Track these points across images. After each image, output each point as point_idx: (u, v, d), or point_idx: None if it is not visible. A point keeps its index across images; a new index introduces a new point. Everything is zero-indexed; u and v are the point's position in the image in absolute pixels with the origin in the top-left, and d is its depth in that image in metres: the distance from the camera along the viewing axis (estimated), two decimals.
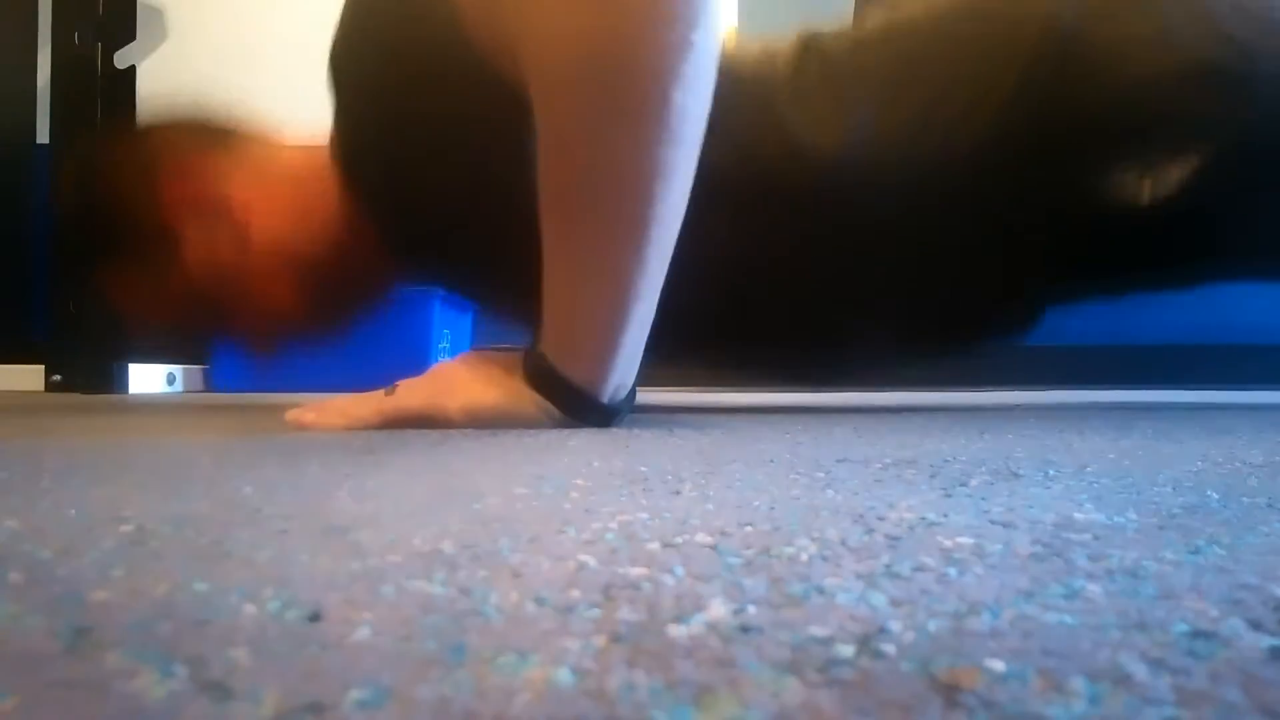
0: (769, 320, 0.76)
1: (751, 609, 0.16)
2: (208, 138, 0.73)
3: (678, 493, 0.29)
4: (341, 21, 0.65)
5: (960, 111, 0.69)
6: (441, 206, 0.66)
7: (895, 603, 0.17)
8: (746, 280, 0.72)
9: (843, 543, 0.22)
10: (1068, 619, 0.16)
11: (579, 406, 0.55)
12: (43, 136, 1.81)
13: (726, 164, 0.56)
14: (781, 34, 0.75)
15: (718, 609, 0.16)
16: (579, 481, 0.32)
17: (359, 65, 0.65)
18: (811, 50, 0.72)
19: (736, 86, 0.63)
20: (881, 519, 0.25)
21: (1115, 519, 0.25)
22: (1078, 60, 0.67)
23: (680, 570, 0.19)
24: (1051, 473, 0.35)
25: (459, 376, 0.59)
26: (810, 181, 0.69)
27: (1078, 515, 0.25)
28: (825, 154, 0.68)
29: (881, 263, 0.73)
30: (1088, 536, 0.23)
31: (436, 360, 1.69)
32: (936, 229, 0.71)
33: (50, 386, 1.52)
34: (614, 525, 0.24)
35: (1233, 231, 0.73)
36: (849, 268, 0.73)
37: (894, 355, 0.87)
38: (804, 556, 0.20)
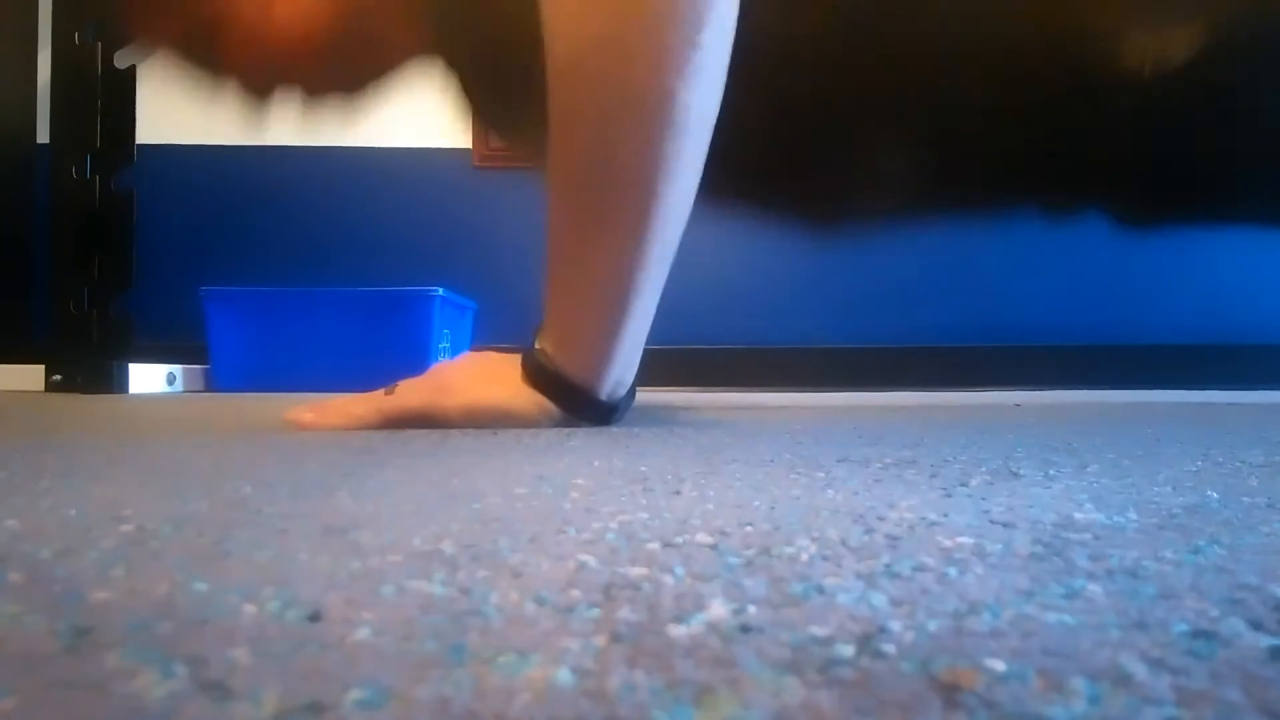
0: (779, 152, 0.75)
1: (751, 609, 0.16)
2: None
3: (678, 493, 0.29)
4: None
5: None
6: None
7: (895, 603, 0.17)
8: (758, 113, 0.70)
9: (843, 543, 0.22)
10: (1068, 619, 0.16)
11: (577, 403, 0.55)
12: (43, 136, 1.80)
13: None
14: None
15: (718, 609, 0.16)
16: (579, 481, 0.32)
17: None
18: None
19: None
20: (881, 519, 0.25)
21: (1115, 519, 0.25)
22: None
23: (680, 570, 0.19)
24: (1051, 473, 0.35)
25: (458, 376, 0.59)
26: (827, 22, 0.68)
27: (1078, 515, 0.25)
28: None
29: (890, 99, 0.71)
30: (1088, 536, 0.23)
31: (436, 360, 1.69)
32: (944, 76, 0.69)
33: (50, 386, 1.52)
34: (614, 525, 0.24)
35: (1232, 155, 0.72)
36: (860, 101, 0.71)
37: (899, 201, 0.85)
38: (804, 556, 0.20)
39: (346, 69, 0.73)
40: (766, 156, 0.75)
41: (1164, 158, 0.73)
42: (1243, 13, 0.66)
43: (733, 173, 0.72)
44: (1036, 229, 0.86)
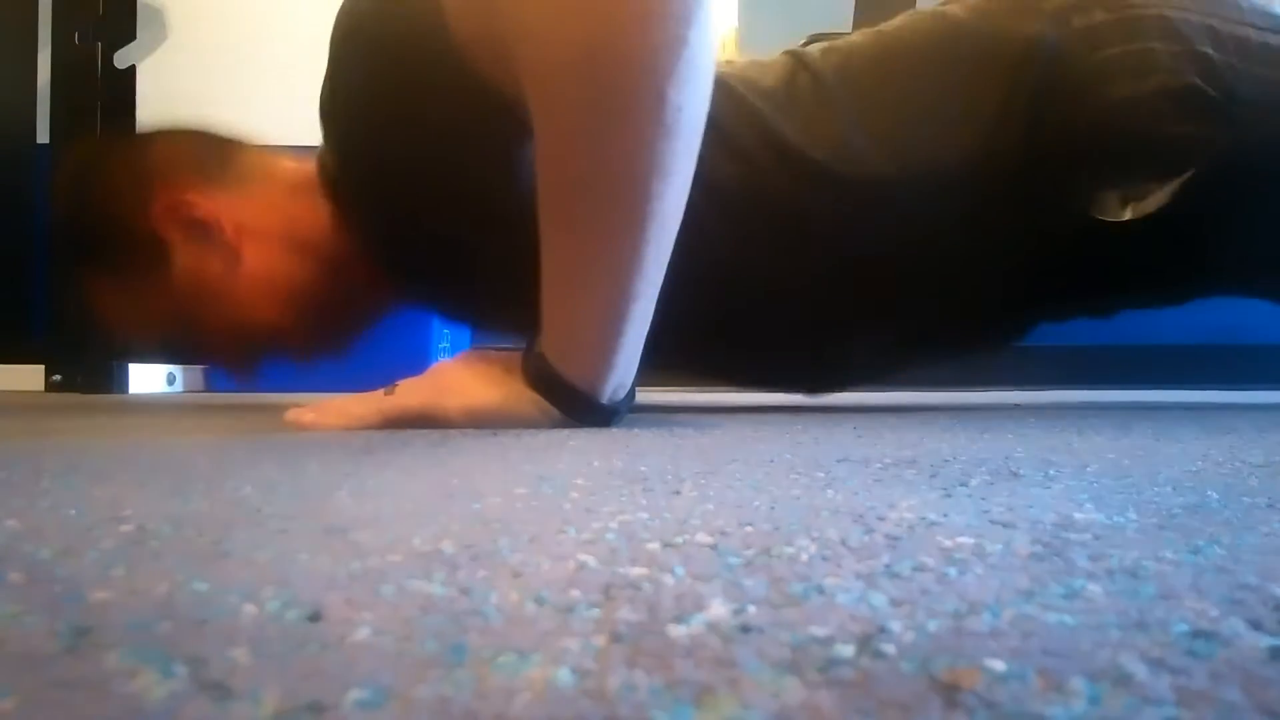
0: (756, 331, 0.77)
1: (751, 609, 0.16)
2: (205, 150, 0.72)
3: (678, 493, 0.29)
4: (330, 60, 0.64)
5: (946, 128, 0.70)
6: (435, 231, 0.66)
7: (895, 603, 0.17)
8: (735, 288, 0.72)
9: (843, 543, 0.22)
10: (1068, 619, 0.16)
11: (578, 407, 0.55)
12: (43, 136, 1.80)
13: (717, 172, 0.57)
14: (770, 51, 0.76)
15: (718, 609, 0.16)
16: (579, 481, 0.32)
17: (348, 96, 0.64)
18: (802, 63, 0.73)
19: (728, 96, 0.64)
20: (881, 519, 0.25)
21: (1115, 519, 0.25)
22: (1060, 81, 0.69)
23: (680, 570, 0.19)
24: (1051, 473, 0.35)
25: (459, 376, 0.58)
26: (799, 191, 0.70)
27: (1078, 515, 0.25)
28: (814, 166, 0.69)
29: (871, 275, 0.73)
30: (1088, 536, 0.23)
31: (436, 360, 1.69)
32: (924, 243, 0.72)
33: (50, 386, 1.52)
34: (614, 525, 0.24)
35: (1214, 251, 0.75)
36: (838, 279, 0.73)
37: (882, 367, 0.89)
38: (804, 556, 0.20)
39: (328, 334, 0.77)
40: (751, 330, 0.77)
41: (1152, 268, 0.76)
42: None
43: (719, 350, 0.75)
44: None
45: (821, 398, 0.95)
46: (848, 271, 0.73)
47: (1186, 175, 0.67)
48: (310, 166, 0.72)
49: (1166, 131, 0.68)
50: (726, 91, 0.61)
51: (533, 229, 0.53)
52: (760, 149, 0.69)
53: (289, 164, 0.74)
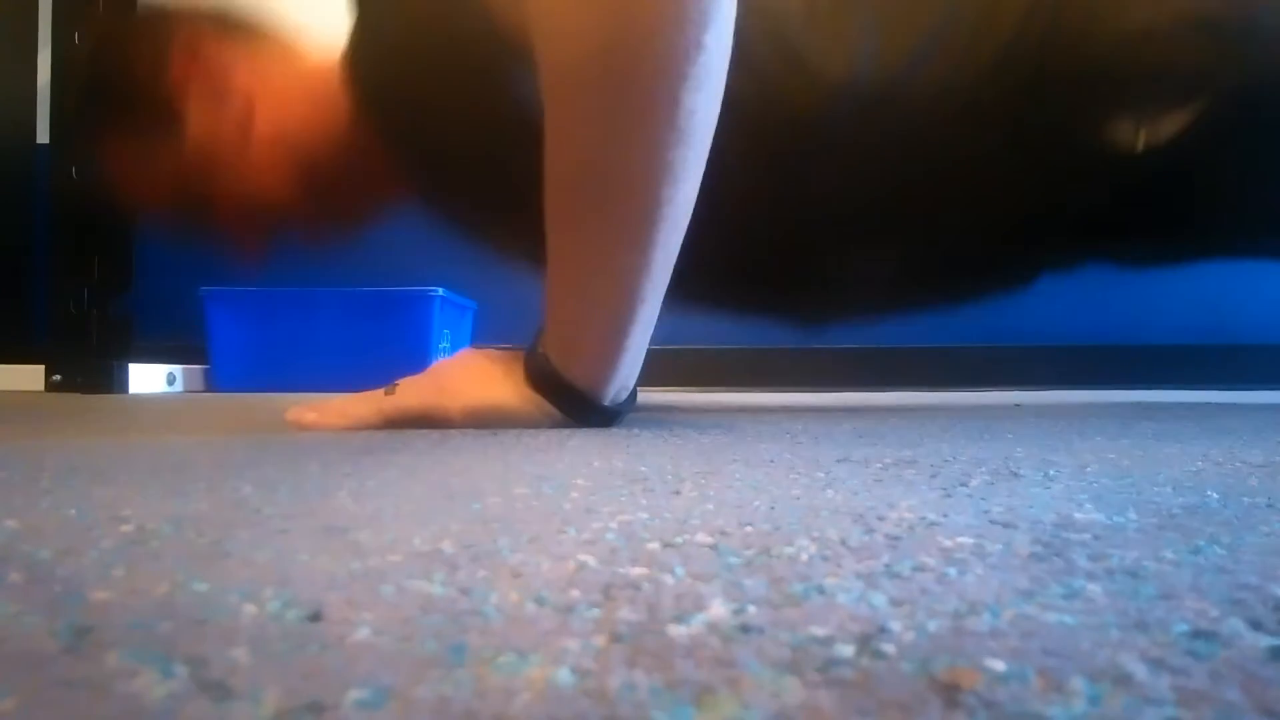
0: (769, 253, 0.76)
1: (751, 609, 0.16)
2: (225, 27, 0.72)
3: (678, 493, 0.29)
4: None
5: (961, 44, 0.68)
6: (449, 129, 0.66)
7: (895, 603, 0.17)
8: (749, 213, 0.71)
9: (843, 543, 0.22)
10: (1068, 619, 0.16)
11: (581, 408, 0.55)
12: (43, 136, 1.81)
13: (739, 89, 0.56)
14: None
15: (718, 609, 0.16)
16: (579, 481, 0.32)
17: None
18: None
19: (750, 11, 0.63)
20: (881, 519, 0.25)
21: (1115, 519, 0.25)
22: (1076, 8, 0.67)
23: (680, 570, 0.19)
24: (1051, 473, 0.35)
25: (460, 376, 0.58)
26: (811, 102, 0.68)
27: (1078, 515, 0.25)
28: (832, 80, 0.67)
29: (877, 192, 0.72)
30: (1088, 536, 0.23)
31: (436, 359, 1.69)
32: (932, 161, 0.71)
33: (50, 386, 1.52)
34: (614, 525, 0.24)
35: (1230, 193, 0.72)
36: (845, 195, 0.72)
37: (892, 298, 0.87)
38: (804, 556, 0.20)
39: (338, 214, 0.76)
40: (752, 257, 0.76)
41: (1162, 202, 0.74)
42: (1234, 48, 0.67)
43: (715, 274, 0.74)
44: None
45: (822, 396, 0.94)
46: (855, 187, 0.71)
47: (1201, 105, 0.66)
48: (327, 55, 0.72)
49: (1183, 61, 0.67)
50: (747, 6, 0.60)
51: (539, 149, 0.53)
52: (773, 59, 0.68)
53: (311, 41, 0.74)
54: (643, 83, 0.48)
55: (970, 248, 0.78)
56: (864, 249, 0.76)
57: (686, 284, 0.55)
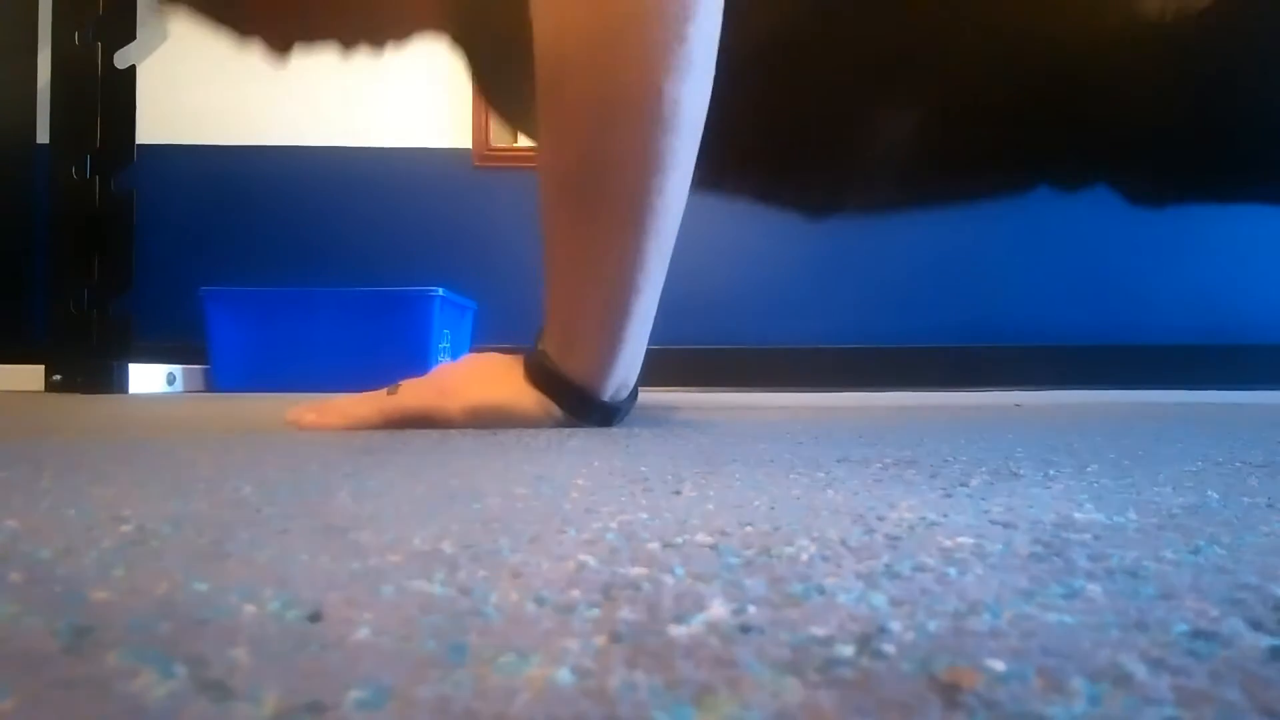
0: (776, 139, 0.75)
1: (751, 609, 0.16)
2: None
3: (678, 493, 0.29)
4: None
5: None
6: None
7: (895, 603, 0.17)
8: (756, 101, 0.70)
9: (843, 543, 0.22)
10: (1068, 619, 0.16)
11: (581, 405, 0.55)
12: (43, 136, 1.81)
13: None
14: None
15: (718, 609, 0.16)
16: (579, 481, 0.32)
17: None
18: None
19: None
20: (881, 519, 0.25)
21: (1115, 519, 0.25)
22: None
23: (680, 570, 0.19)
24: (1051, 473, 0.35)
25: (461, 376, 0.59)
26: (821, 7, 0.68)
27: (1078, 515, 0.25)
28: None
29: (883, 75, 0.71)
30: (1088, 536, 0.23)
31: (437, 360, 1.69)
32: (937, 39, 0.69)
33: (50, 386, 1.52)
34: (614, 525, 0.24)
35: (1240, 134, 0.71)
36: (852, 81, 0.71)
37: (896, 186, 0.85)
38: (804, 556, 0.20)
39: (367, 25, 0.74)
40: (762, 143, 0.75)
41: (1174, 132, 0.73)
42: None
43: (728, 161, 0.73)
44: (1043, 210, 0.86)
45: (822, 396, 0.94)
46: (862, 70, 0.70)
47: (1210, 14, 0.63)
48: None
49: None
50: None
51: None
52: None
53: None
54: (626, 74, 0.49)
55: (980, 136, 0.76)
56: (868, 134, 0.75)
57: (698, 170, 0.54)
